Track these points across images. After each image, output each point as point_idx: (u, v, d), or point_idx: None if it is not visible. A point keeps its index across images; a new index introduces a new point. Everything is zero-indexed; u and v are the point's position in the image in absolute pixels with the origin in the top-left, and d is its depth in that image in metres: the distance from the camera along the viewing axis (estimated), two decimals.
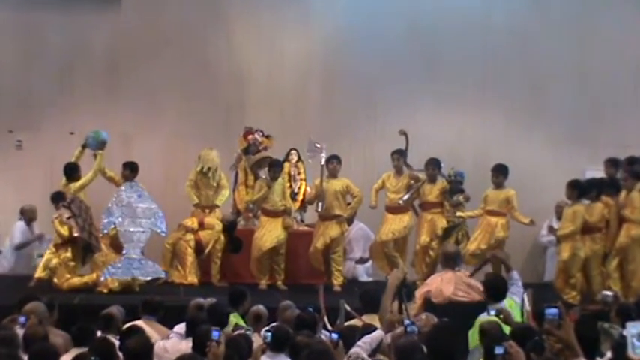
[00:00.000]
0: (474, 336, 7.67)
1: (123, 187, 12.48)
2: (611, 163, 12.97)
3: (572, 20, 16.15)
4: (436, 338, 6.02)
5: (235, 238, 13.61)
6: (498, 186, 13.07)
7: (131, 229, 12.26)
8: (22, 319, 8.04)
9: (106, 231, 12.43)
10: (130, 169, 13.32)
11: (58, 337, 7.89)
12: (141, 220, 12.25)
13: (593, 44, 16.08)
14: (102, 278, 12.23)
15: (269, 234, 13.29)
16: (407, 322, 7.16)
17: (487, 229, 13.02)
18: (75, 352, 6.93)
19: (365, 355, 6.96)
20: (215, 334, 6.27)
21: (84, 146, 13.21)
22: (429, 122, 15.58)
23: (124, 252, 12.26)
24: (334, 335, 6.48)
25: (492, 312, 7.96)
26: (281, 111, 15.65)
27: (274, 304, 9.71)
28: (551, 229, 13.23)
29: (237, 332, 7.47)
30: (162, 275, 12.71)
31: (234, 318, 8.99)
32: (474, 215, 13.26)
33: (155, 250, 13.43)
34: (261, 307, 9.23)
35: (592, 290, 12.41)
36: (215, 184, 13.77)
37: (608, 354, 6.78)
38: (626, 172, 12.48)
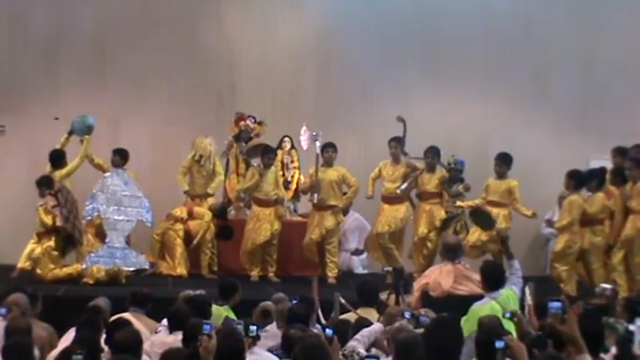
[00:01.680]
0: (466, 324, 7.55)
1: (108, 174, 12.39)
2: (619, 152, 12.81)
3: (577, 4, 16.00)
4: (436, 333, 5.86)
5: (226, 225, 13.34)
6: (501, 176, 12.91)
7: (115, 217, 12.16)
8: (2, 311, 7.84)
9: (89, 217, 12.29)
10: (120, 156, 13.15)
11: (41, 330, 7.78)
12: (126, 208, 12.15)
13: (600, 29, 15.91)
14: (83, 266, 12.08)
15: (263, 226, 13.10)
16: (407, 314, 7.12)
17: None
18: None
19: (361, 350, 6.87)
20: (206, 327, 6.09)
21: (70, 132, 13.13)
22: (428, 109, 15.45)
23: (107, 240, 12.12)
24: (329, 331, 6.21)
25: (507, 315, 7.66)
26: (273, 96, 15.48)
27: (266, 297, 9.51)
28: (549, 222, 13.00)
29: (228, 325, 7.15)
30: (146, 267, 12.62)
31: (224, 311, 8.87)
32: (474, 205, 12.95)
33: (143, 240, 13.31)
34: (269, 304, 8.97)
35: (594, 284, 12.18)
36: (207, 173, 13.64)
37: (613, 349, 6.87)
38: (632, 160, 12.19)
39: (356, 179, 13.22)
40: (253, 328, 6.72)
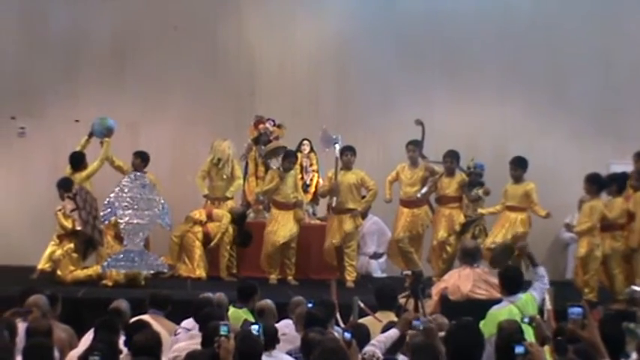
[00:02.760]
0: (485, 328, 7.41)
1: (126, 177, 12.29)
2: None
3: (597, 9, 15.89)
4: (456, 337, 5.85)
5: (244, 231, 13.31)
6: (517, 179, 12.80)
7: (133, 221, 12.04)
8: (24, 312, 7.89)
9: (106, 221, 12.22)
10: (141, 158, 13.29)
11: (61, 331, 7.79)
12: (143, 211, 12.01)
13: (619, 33, 15.81)
14: (100, 270, 12.06)
15: (282, 228, 13.09)
16: (415, 322, 7.00)
17: (505, 224, 12.74)
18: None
19: (380, 354, 6.82)
20: (224, 329, 6.11)
21: (90, 135, 13.16)
22: (446, 112, 15.39)
23: (124, 243, 12.04)
24: (347, 334, 6.20)
25: (525, 319, 7.62)
26: (293, 100, 15.43)
27: (285, 300, 9.50)
28: (568, 226, 12.92)
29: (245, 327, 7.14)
30: (165, 269, 12.58)
31: (243, 314, 8.85)
32: (494, 211, 13.01)
33: (162, 242, 13.35)
34: (263, 302, 8.98)
35: (614, 289, 12.16)
36: (226, 176, 13.62)
37: (634, 355, 6.75)
38: None
39: (375, 182, 13.17)
40: (255, 327, 6.66)
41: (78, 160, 12.86)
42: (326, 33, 15.72)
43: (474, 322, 5.99)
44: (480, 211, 12.88)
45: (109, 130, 12.98)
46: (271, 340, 6.96)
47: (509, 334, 6.72)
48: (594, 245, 12.11)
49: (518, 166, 12.77)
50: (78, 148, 13.03)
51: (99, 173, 12.96)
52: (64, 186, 12.45)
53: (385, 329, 7.44)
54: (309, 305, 8.43)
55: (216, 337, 6.11)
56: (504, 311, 8.12)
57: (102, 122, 13.02)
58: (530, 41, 15.73)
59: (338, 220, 13.11)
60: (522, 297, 8.65)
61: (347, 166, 13.10)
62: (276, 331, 7.38)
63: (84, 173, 12.72)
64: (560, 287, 12.16)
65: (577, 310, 5.80)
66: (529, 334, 7.67)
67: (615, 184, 12.24)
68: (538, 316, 7.96)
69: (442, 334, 6.73)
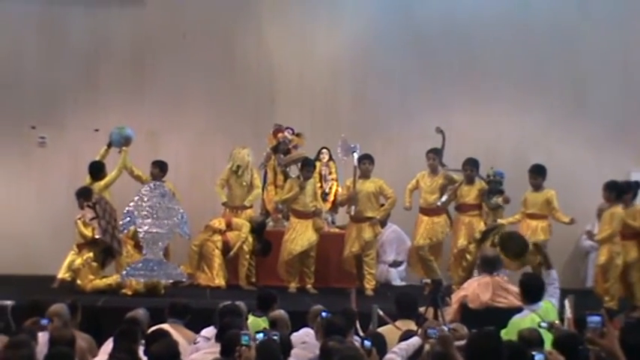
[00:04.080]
0: (506, 337, 7.42)
1: (145, 187, 12.26)
2: None
3: (615, 16, 15.75)
4: (477, 346, 5.80)
5: (264, 240, 13.32)
6: (537, 188, 12.80)
7: (152, 230, 12.01)
8: (44, 321, 7.86)
9: (125, 230, 12.25)
10: (160, 168, 13.37)
11: (81, 340, 7.75)
12: (162, 221, 12.00)
13: (639, 42, 15.69)
14: (120, 279, 12.09)
15: (300, 237, 13.06)
16: (430, 331, 7.00)
17: (527, 232, 12.66)
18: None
19: None
20: (245, 338, 6.17)
21: (109, 144, 13.21)
22: (466, 120, 15.27)
23: (144, 253, 12.05)
24: (367, 342, 6.19)
25: (544, 324, 7.62)
26: (312, 108, 15.41)
27: (304, 308, 9.47)
28: (589, 234, 12.88)
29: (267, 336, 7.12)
30: (184, 279, 12.55)
31: (262, 322, 8.82)
32: (514, 221, 12.99)
33: (181, 251, 13.35)
34: (281, 312, 8.94)
35: (635, 297, 12.06)
36: (245, 184, 13.63)
37: None
38: None
39: (393, 190, 13.14)
40: (260, 335, 6.61)
41: (97, 170, 12.90)
42: (344, 42, 15.67)
43: (495, 331, 5.95)
44: (499, 221, 12.82)
45: (127, 139, 13.02)
46: (285, 350, 6.95)
47: (529, 342, 6.71)
48: (615, 253, 12.05)
49: (538, 174, 12.76)
50: (97, 158, 13.07)
51: (118, 183, 12.98)
52: (84, 195, 12.48)
53: (403, 338, 7.42)
54: (323, 314, 8.42)
55: (237, 347, 6.11)
56: (527, 320, 8.12)
57: (120, 131, 13.06)
58: (549, 49, 15.62)
59: (357, 229, 13.09)
60: (543, 305, 8.65)
61: (365, 175, 13.08)
62: (289, 341, 7.38)
63: (102, 183, 12.76)
64: (581, 295, 12.12)
65: (596, 318, 5.72)
66: (548, 340, 7.66)
67: (631, 192, 12.18)
68: (557, 322, 7.94)
69: (462, 342, 6.72)
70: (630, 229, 12.06)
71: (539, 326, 7.71)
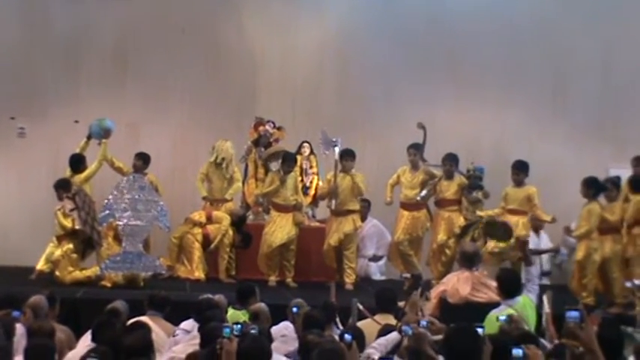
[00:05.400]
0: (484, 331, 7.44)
1: (124, 179, 12.22)
2: (639, 161, 12.59)
3: (597, 12, 15.82)
4: (454, 341, 5.72)
5: (244, 233, 13.30)
6: (519, 183, 12.78)
7: (132, 223, 11.95)
8: (15, 313, 7.80)
9: (104, 223, 12.16)
10: (143, 160, 13.35)
11: (60, 332, 7.74)
12: (142, 213, 11.94)
13: (619, 38, 15.74)
14: (99, 272, 12.05)
15: (280, 230, 13.07)
16: (404, 327, 6.99)
17: None
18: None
19: (376, 358, 6.77)
20: (226, 330, 6.08)
21: (89, 136, 13.11)
22: (447, 116, 15.36)
23: (123, 245, 11.99)
24: (347, 336, 6.16)
25: (502, 318, 7.67)
26: (293, 102, 15.44)
27: (284, 302, 9.50)
28: (567, 230, 12.90)
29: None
30: (163, 271, 12.55)
31: (242, 315, 8.78)
32: (493, 214, 12.91)
33: (161, 244, 13.37)
34: (261, 305, 8.88)
35: (613, 293, 12.11)
36: (228, 176, 13.62)
37: (632, 359, 6.61)
38: None
39: (364, 188, 13.12)
40: (237, 327, 6.63)
41: (77, 162, 12.85)
42: (327, 35, 15.69)
43: (472, 326, 5.96)
44: (478, 213, 12.86)
45: (106, 131, 12.93)
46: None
47: (509, 337, 6.72)
48: (592, 249, 12.11)
49: (520, 169, 12.74)
50: (77, 151, 13.01)
51: (98, 175, 12.93)
52: (63, 186, 12.43)
53: (382, 332, 7.44)
54: (294, 309, 8.42)
55: (218, 339, 6.11)
56: (503, 314, 8.13)
57: (100, 123, 12.96)
58: (531, 45, 15.71)
59: (337, 223, 13.10)
60: (520, 300, 8.71)
61: (346, 169, 13.07)
62: (270, 334, 7.38)
63: (82, 175, 12.71)
64: (561, 291, 12.20)
65: (574, 314, 5.76)
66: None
67: (615, 188, 12.20)
68: (516, 314, 7.98)
69: (439, 337, 6.74)
70: (608, 224, 12.09)
71: (497, 320, 7.77)
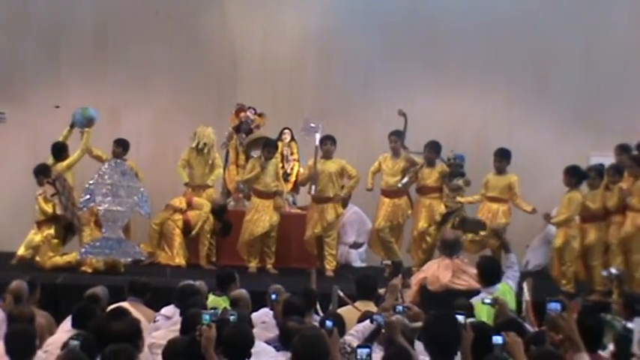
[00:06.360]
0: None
1: (105, 165, 12.20)
2: (622, 149, 12.64)
3: (579, 2, 15.80)
4: (433, 329, 5.78)
5: (225, 221, 13.29)
6: (500, 171, 12.81)
7: (112, 208, 11.96)
8: None
9: (85, 208, 12.13)
10: (122, 147, 13.26)
11: (40, 317, 7.76)
12: (122, 199, 11.92)
13: (601, 26, 15.74)
14: (78, 257, 12.02)
15: (262, 218, 13.02)
16: (375, 316, 7.05)
17: (487, 215, 12.77)
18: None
19: (354, 345, 6.72)
20: (206, 317, 6.12)
21: (72, 125, 13.05)
22: (429, 103, 15.33)
23: (103, 231, 11.99)
24: (329, 323, 6.17)
25: (487, 300, 7.76)
26: (274, 88, 15.39)
27: (264, 288, 9.41)
28: (547, 217, 12.93)
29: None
30: (143, 257, 12.55)
31: (223, 302, 8.78)
32: (473, 201, 13.01)
33: (142, 230, 13.31)
34: (242, 292, 8.89)
35: (593, 281, 12.15)
36: (210, 162, 13.58)
37: (611, 346, 6.85)
38: (632, 159, 12.12)
39: (357, 170, 13.13)
40: (213, 312, 6.61)
41: (60, 150, 12.79)
42: (309, 22, 15.64)
43: (451, 313, 6.00)
44: (458, 199, 12.86)
45: (90, 120, 12.89)
46: None
47: (488, 325, 6.77)
48: (571, 237, 12.15)
49: (502, 157, 12.76)
50: (60, 139, 12.95)
51: (79, 163, 12.88)
52: (43, 172, 12.41)
53: (362, 319, 7.45)
54: (273, 296, 8.43)
55: (197, 326, 6.11)
56: (488, 298, 8.16)
57: (83, 112, 12.91)
58: (512, 33, 15.67)
59: (319, 210, 13.08)
60: (499, 287, 8.78)
61: (327, 156, 13.06)
62: (250, 320, 7.39)
63: (65, 163, 12.66)
64: (542, 278, 12.26)
65: (555, 305, 5.85)
66: (482, 315, 7.76)
67: (598, 176, 12.20)
68: (501, 297, 8.03)
69: (418, 324, 6.77)
70: (590, 212, 12.13)
71: (483, 302, 7.82)
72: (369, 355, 5.57)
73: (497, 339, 5.76)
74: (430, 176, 12.99)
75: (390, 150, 13.17)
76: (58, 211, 12.11)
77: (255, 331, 7.33)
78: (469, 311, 7.43)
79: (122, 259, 12.08)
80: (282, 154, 13.95)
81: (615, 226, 12.05)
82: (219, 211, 13.31)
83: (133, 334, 6.36)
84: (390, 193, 13.15)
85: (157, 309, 8.53)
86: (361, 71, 15.57)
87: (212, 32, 15.45)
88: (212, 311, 6.30)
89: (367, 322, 7.14)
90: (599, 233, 12.14)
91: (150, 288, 9.01)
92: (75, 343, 5.87)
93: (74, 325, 7.11)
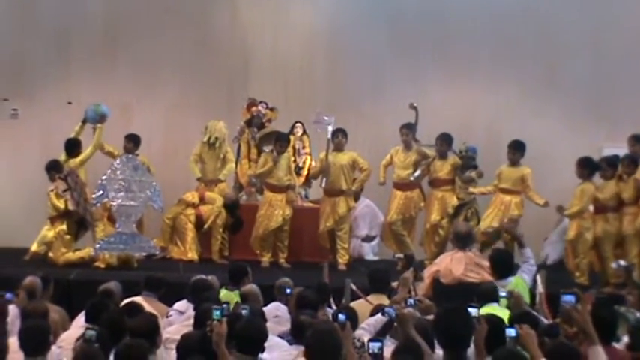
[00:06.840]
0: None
1: (117, 161, 12.22)
2: (636, 140, 12.52)
3: None
4: (445, 321, 5.78)
5: (236, 217, 13.28)
6: (514, 163, 12.69)
7: (125, 204, 11.98)
8: (8, 295, 7.89)
9: (98, 204, 12.15)
10: (134, 142, 13.23)
11: (53, 312, 7.79)
12: (135, 194, 11.96)
13: (611, 17, 15.63)
14: (92, 253, 12.06)
15: (275, 213, 13.00)
16: (387, 309, 7.07)
17: (500, 207, 12.67)
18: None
19: (366, 339, 6.71)
20: (216, 312, 6.12)
21: (84, 121, 13.05)
22: (439, 96, 15.28)
23: (117, 226, 12.00)
24: (342, 316, 6.18)
25: (502, 293, 7.74)
26: (286, 82, 15.38)
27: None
28: (560, 209, 12.88)
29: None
30: (156, 252, 12.56)
31: (235, 296, 8.78)
32: (486, 192, 12.93)
33: (155, 225, 13.34)
34: (252, 286, 8.91)
35: (606, 272, 12.09)
36: (221, 157, 13.56)
37: (625, 338, 6.82)
38: None
39: (368, 163, 13.11)
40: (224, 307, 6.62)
41: (73, 146, 12.78)
42: (319, 16, 15.63)
43: (464, 306, 5.99)
44: (470, 189, 12.84)
45: (102, 116, 12.89)
46: None
47: (501, 317, 6.75)
48: (584, 228, 12.12)
49: (516, 149, 12.63)
50: (72, 135, 12.94)
51: (91, 159, 12.90)
52: (55, 168, 12.44)
53: (374, 312, 7.45)
54: (288, 290, 8.45)
55: (208, 321, 6.12)
56: (503, 291, 8.15)
57: (96, 108, 12.91)
58: (522, 25, 15.60)
59: (331, 204, 13.06)
60: (512, 280, 8.75)
61: (338, 148, 13.04)
62: (263, 313, 7.40)
63: (78, 159, 12.65)
64: (556, 270, 12.24)
65: (569, 297, 5.83)
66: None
67: (610, 167, 12.14)
68: (517, 290, 8.02)
69: (430, 317, 6.75)
70: (600, 203, 12.10)
71: (499, 295, 7.81)
72: (381, 349, 5.56)
73: (511, 331, 5.76)
74: (442, 169, 12.97)
75: (402, 143, 13.14)
76: (70, 207, 12.14)
77: (268, 324, 7.35)
78: (494, 295, 7.51)
79: (137, 253, 12.12)
80: (294, 148, 13.95)
81: (630, 217, 12.02)
82: (231, 207, 13.29)
83: (151, 330, 6.42)
84: (402, 186, 13.13)
85: (170, 304, 8.56)
86: (372, 65, 15.51)
87: (223, 27, 15.43)
88: (223, 306, 6.31)
89: (379, 315, 7.16)
90: (609, 224, 12.11)
91: (165, 283, 9.05)
92: (91, 333, 5.91)
93: (88, 320, 7.13)
